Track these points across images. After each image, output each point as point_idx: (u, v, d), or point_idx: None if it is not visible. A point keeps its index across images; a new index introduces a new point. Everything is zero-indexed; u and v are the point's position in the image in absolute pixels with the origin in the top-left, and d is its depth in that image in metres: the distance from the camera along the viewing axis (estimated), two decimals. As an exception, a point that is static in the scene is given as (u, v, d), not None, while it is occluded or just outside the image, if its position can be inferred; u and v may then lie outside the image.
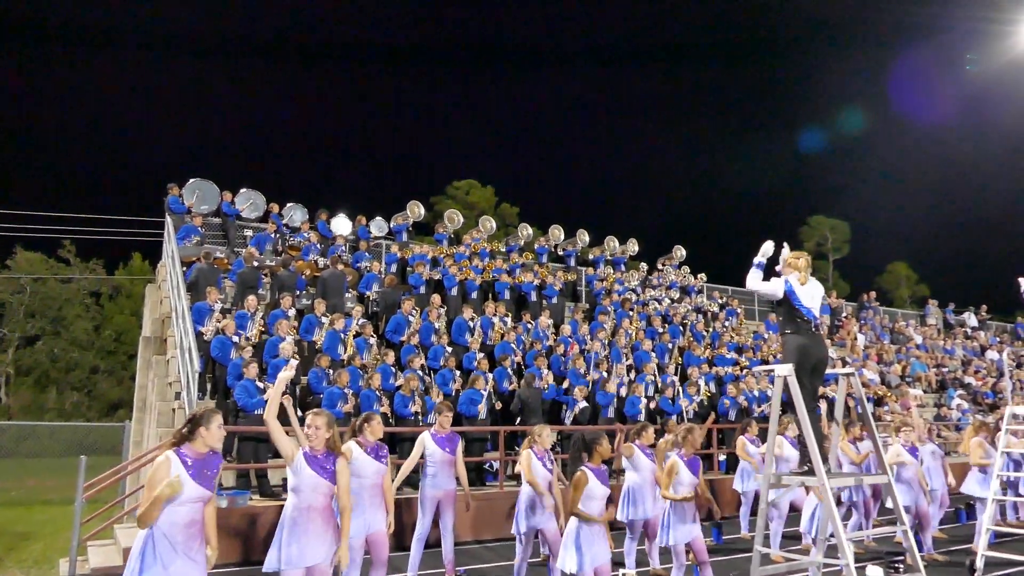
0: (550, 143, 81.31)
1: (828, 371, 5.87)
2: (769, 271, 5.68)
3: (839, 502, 8.55)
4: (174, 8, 71.30)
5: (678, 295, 18.19)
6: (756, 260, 5.64)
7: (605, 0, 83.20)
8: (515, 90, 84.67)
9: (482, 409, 10.53)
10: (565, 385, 11.90)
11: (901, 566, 6.71)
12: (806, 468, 5.45)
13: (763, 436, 9.58)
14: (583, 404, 11.45)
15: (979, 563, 7.71)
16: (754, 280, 5.64)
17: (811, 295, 5.52)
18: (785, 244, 5.91)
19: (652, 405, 12.15)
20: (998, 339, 23.23)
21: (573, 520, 5.46)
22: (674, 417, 11.47)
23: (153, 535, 3.93)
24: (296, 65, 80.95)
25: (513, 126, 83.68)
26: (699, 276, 19.61)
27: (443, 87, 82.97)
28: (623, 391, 11.94)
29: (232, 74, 79.38)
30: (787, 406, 5.57)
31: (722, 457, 12.30)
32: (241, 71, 79.32)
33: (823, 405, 10.60)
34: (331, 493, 4.69)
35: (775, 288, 5.53)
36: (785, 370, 5.35)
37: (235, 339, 10.11)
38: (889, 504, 7.95)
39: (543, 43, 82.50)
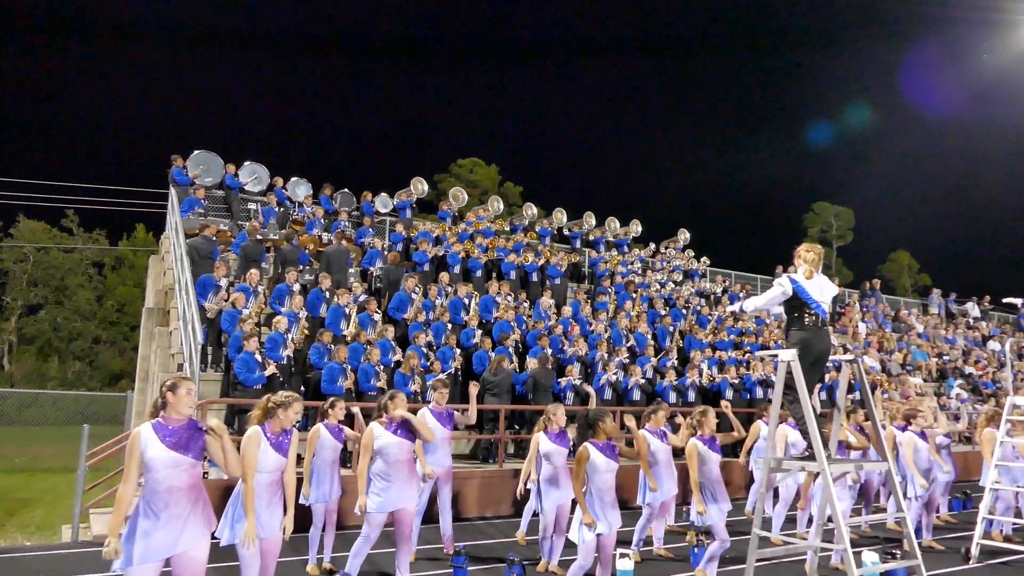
0: (556, 127, 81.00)
1: (831, 357, 5.86)
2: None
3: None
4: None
5: (681, 278, 18.17)
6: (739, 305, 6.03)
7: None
8: (522, 74, 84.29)
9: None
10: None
11: (898, 552, 6.73)
12: (807, 453, 5.46)
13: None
14: (576, 382, 11.45)
15: (975, 551, 7.77)
16: (751, 302, 5.82)
17: (820, 288, 5.42)
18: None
19: (648, 388, 12.13)
20: (1000, 330, 23.20)
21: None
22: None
23: (139, 505, 3.94)
24: (303, 45, 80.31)
25: (519, 108, 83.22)
26: (702, 260, 19.61)
27: (449, 67, 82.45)
28: (620, 375, 11.93)
29: (239, 52, 78.82)
30: (788, 391, 5.55)
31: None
32: (249, 50, 78.81)
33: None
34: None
35: (776, 294, 5.48)
36: (788, 355, 5.33)
37: (244, 312, 10.04)
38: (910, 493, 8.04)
39: (551, 31, 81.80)
